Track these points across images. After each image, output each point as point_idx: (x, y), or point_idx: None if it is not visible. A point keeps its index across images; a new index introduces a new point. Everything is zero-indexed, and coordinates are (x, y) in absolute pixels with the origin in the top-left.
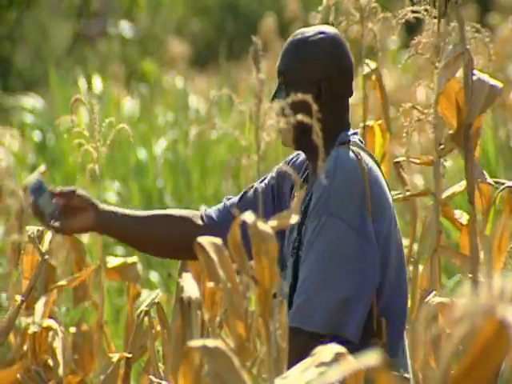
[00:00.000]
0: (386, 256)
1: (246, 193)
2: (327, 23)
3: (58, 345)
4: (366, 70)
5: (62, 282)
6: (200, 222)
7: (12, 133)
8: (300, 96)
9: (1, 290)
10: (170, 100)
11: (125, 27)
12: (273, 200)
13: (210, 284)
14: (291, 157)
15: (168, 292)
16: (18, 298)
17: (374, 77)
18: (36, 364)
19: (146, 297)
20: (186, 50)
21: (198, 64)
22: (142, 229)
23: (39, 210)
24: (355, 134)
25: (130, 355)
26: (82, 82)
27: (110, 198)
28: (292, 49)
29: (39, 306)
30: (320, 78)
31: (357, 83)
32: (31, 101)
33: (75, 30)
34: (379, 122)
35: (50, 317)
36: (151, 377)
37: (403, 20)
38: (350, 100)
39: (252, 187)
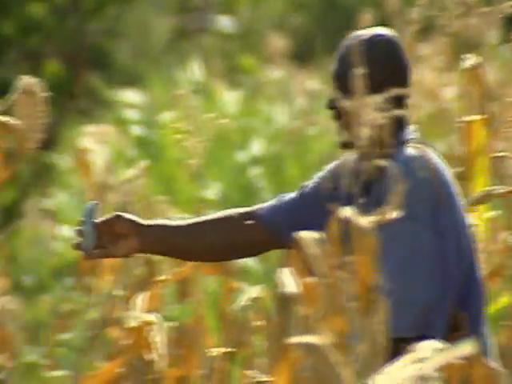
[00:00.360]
0: (462, 249)
1: (303, 191)
2: (427, 18)
3: (157, 339)
4: (466, 64)
5: (164, 277)
6: (252, 222)
7: (112, 128)
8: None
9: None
10: (270, 95)
11: (225, 22)
12: (328, 200)
13: (309, 279)
14: (343, 158)
15: (272, 286)
16: (118, 292)
17: (473, 72)
18: (136, 358)
19: (247, 291)
20: (285, 44)
21: (298, 59)
22: (189, 240)
23: (81, 237)
24: (415, 131)
25: (229, 350)
26: (183, 77)
27: (209, 195)
28: (348, 53)
29: (140, 301)
30: (376, 80)
31: (456, 78)
32: (132, 96)
33: (176, 25)
34: (479, 117)
35: (151, 311)
36: (251, 372)
37: (503, 14)
38: (449, 94)
39: (308, 186)
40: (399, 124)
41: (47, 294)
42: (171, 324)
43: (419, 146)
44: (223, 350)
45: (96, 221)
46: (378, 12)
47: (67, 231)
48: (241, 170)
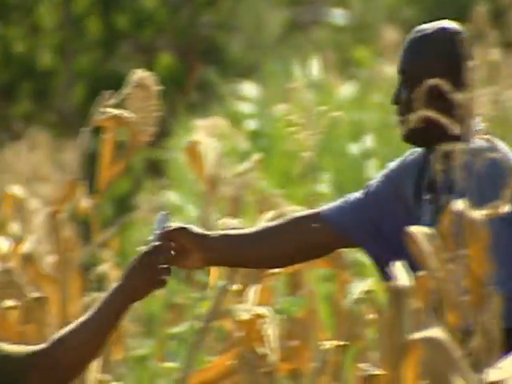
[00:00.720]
0: None
1: (368, 190)
2: None
3: (269, 332)
4: None
5: (276, 270)
6: (318, 224)
7: (224, 121)
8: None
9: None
10: (385, 88)
11: (338, 14)
12: (395, 198)
13: (422, 273)
14: (407, 154)
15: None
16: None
17: None
18: (248, 351)
19: (359, 284)
20: (398, 37)
21: None
22: (257, 248)
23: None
24: (481, 123)
25: (342, 343)
26: (296, 70)
27: (322, 188)
28: (412, 46)
29: (252, 293)
30: (441, 74)
31: None
32: (245, 89)
33: (288, 17)
34: None
35: (263, 304)
36: (363, 365)
37: None
38: None
39: (373, 185)
40: (468, 115)
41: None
42: (283, 317)
43: (488, 137)
44: (336, 343)
45: (162, 232)
46: (492, 4)
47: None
48: (354, 162)
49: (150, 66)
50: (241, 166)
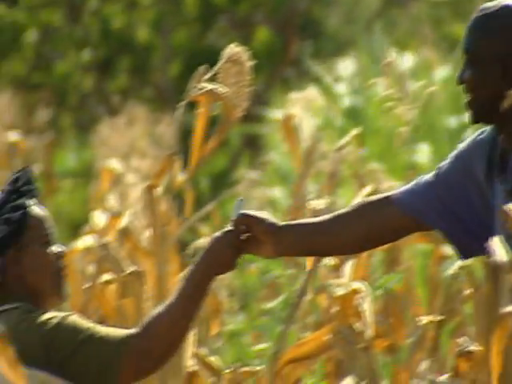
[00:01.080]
0: None
1: (439, 172)
2: None
3: (366, 308)
4: None
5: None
6: (390, 208)
7: (319, 95)
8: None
9: None
10: None
11: None
12: (466, 178)
13: None
14: (476, 134)
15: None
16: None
17: None
18: (344, 327)
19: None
20: None
21: None
22: (330, 237)
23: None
24: None
25: (439, 318)
26: (392, 46)
27: (421, 161)
28: (475, 25)
29: (348, 268)
30: (505, 52)
31: None
32: (341, 64)
33: None
34: None
35: (359, 279)
36: (461, 340)
37: None
38: None
39: (443, 167)
40: None
41: (256, 262)
42: (380, 292)
43: None
44: (432, 318)
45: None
46: None
47: (278, 195)
48: (452, 136)
49: (246, 41)
50: (338, 140)
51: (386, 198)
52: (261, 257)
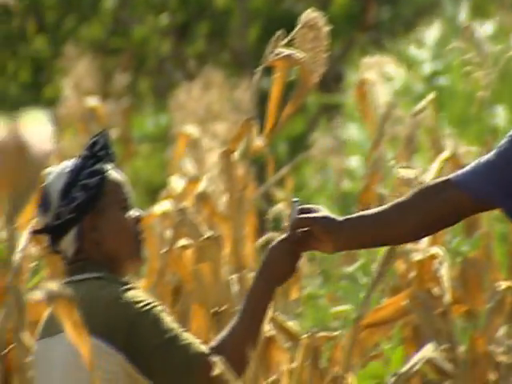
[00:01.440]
0: None
1: (499, 151)
2: None
3: (443, 273)
4: None
5: None
6: (450, 191)
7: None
8: None
9: None
10: None
11: None
12: None
13: None
14: None
15: None
16: None
17: None
18: (421, 292)
19: None
20: None
21: None
22: (392, 227)
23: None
24: None
25: None
26: (471, 11)
27: (499, 125)
28: None
29: None
30: None
31: None
32: (421, 28)
33: None
34: None
35: (437, 244)
36: None
37: None
38: None
39: (503, 145)
40: None
41: None
42: (457, 258)
43: None
44: (511, 283)
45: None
46: None
47: (355, 164)
48: None
49: (324, 6)
50: (415, 106)
51: (445, 181)
52: (323, 252)
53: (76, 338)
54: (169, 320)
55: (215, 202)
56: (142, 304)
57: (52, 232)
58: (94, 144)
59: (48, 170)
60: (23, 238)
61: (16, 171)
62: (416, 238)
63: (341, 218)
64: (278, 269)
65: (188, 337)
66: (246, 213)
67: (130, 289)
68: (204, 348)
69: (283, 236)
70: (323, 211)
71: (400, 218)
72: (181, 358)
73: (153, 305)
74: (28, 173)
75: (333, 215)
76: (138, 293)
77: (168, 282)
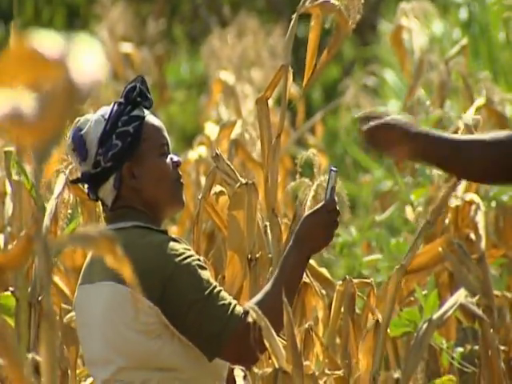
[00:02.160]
0: None
1: None
2: None
3: (479, 219)
4: None
5: None
6: None
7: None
8: None
9: None
10: None
11: None
12: None
13: None
14: None
15: None
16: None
17: None
18: (458, 238)
19: None
20: None
21: None
22: (461, 159)
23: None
24: None
25: None
26: None
27: None
28: None
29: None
30: None
31: None
32: None
33: None
34: None
35: (474, 191)
36: None
37: None
38: None
39: None
40: None
41: (368, 173)
42: (494, 204)
43: None
44: None
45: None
46: None
47: (390, 108)
48: None
49: None
50: (449, 51)
51: None
52: (394, 158)
53: (123, 273)
54: (207, 276)
55: (249, 149)
56: (180, 257)
57: (90, 181)
58: (131, 90)
59: (84, 117)
60: (59, 183)
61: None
62: (488, 178)
63: (418, 130)
64: (313, 240)
65: (225, 296)
66: (279, 159)
67: (169, 240)
68: (240, 310)
69: (320, 205)
70: (396, 117)
71: (482, 154)
72: (216, 319)
73: (192, 258)
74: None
75: (408, 123)
76: (178, 245)
77: (203, 228)
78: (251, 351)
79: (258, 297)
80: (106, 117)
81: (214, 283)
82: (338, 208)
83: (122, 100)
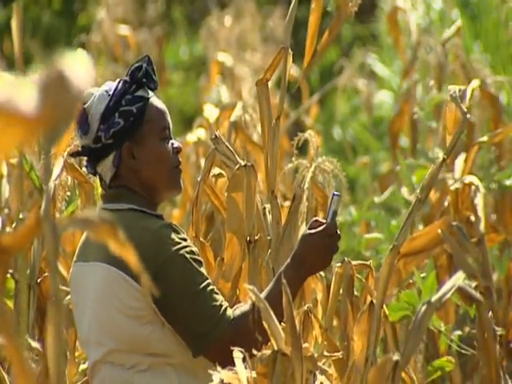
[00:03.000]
0: None
1: None
2: None
3: (478, 202)
4: None
5: (482, 139)
6: None
7: None
8: None
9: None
10: None
11: None
12: None
13: None
14: None
15: None
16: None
17: None
18: (457, 220)
19: None
20: None
21: None
22: None
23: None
24: None
25: None
26: None
27: None
28: None
29: (459, 163)
30: None
31: None
32: None
33: None
34: None
35: (471, 174)
36: None
37: None
38: None
39: None
40: None
41: (365, 154)
42: (492, 187)
43: None
44: None
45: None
46: None
47: (384, 94)
48: None
49: None
50: (445, 33)
51: None
52: None
53: (124, 254)
54: (201, 271)
55: (249, 131)
56: (175, 247)
57: (90, 154)
58: (137, 69)
59: (89, 91)
60: (57, 166)
61: (56, 103)
62: None
63: None
64: (311, 262)
65: (217, 297)
66: (278, 141)
67: (166, 226)
68: (230, 315)
69: (321, 228)
70: None
71: None
72: (207, 319)
73: (187, 250)
74: (66, 104)
75: None
76: (174, 233)
77: (202, 210)
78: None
79: (247, 307)
80: (110, 93)
81: (207, 280)
82: (338, 232)
83: (127, 78)
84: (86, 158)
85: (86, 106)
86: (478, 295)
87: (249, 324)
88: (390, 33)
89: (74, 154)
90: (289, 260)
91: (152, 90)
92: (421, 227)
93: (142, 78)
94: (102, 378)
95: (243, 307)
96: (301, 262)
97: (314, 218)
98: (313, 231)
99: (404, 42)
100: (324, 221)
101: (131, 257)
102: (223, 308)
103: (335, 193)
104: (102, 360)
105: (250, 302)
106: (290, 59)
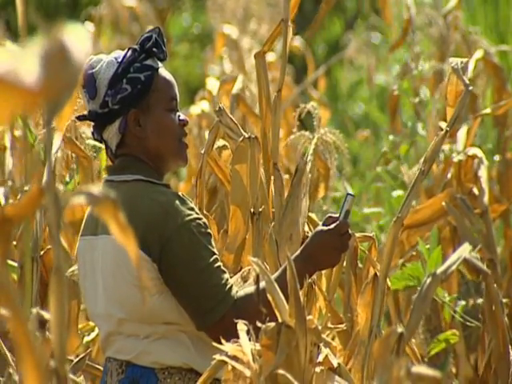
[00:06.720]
0: None
1: None
2: None
3: (482, 174)
4: None
5: (486, 111)
6: None
7: None
8: None
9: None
10: None
11: None
12: None
13: None
14: None
15: None
16: (443, 126)
17: None
18: (461, 192)
19: None
20: None
21: None
22: None
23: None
24: None
25: None
26: None
27: None
28: None
29: (462, 135)
30: None
31: None
32: None
33: None
34: None
35: (474, 145)
36: None
37: None
38: None
39: None
40: None
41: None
42: (496, 158)
43: None
44: None
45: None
46: None
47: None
48: None
49: None
50: (446, 6)
51: None
52: None
53: (122, 239)
54: (209, 244)
55: (252, 103)
56: (184, 219)
57: (97, 119)
58: (147, 39)
59: (98, 56)
60: (57, 139)
61: (57, 75)
62: None
63: None
64: (319, 258)
65: (223, 275)
66: (281, 113)
67: (175, 197)
68: (235, 293)
69: (333, 226)
70: None
71: None
72: (212, 295)
73: (196, 223)
74: (68, 76)
75: None
76: (182, 205)
77: (206, 182)
78: (235, 335)
79: (251, 289)
80: (119, 60)
81: (214, 256)
82: (350, 232)
83: (136, 47)
84: (86, 132)
85: (94, 70)
86: (484, 267)
87: (252, 306)
88: (382, 7)
89: (80, 118)
90: (298, 252)
91: (161, 60)
92: (424, 199)
93: (151, 47)
94: (118, 348)
95: (247, 289)
96: (309, 256)
97: (328, 215)
98: (325, 228)
99: (399, 15)
100: (337, 215)
101: (129, 241)
102: (227, 287)
103: (349, 193)
104: (115, 331)
105: (254, 285)
106: (290, 32)
